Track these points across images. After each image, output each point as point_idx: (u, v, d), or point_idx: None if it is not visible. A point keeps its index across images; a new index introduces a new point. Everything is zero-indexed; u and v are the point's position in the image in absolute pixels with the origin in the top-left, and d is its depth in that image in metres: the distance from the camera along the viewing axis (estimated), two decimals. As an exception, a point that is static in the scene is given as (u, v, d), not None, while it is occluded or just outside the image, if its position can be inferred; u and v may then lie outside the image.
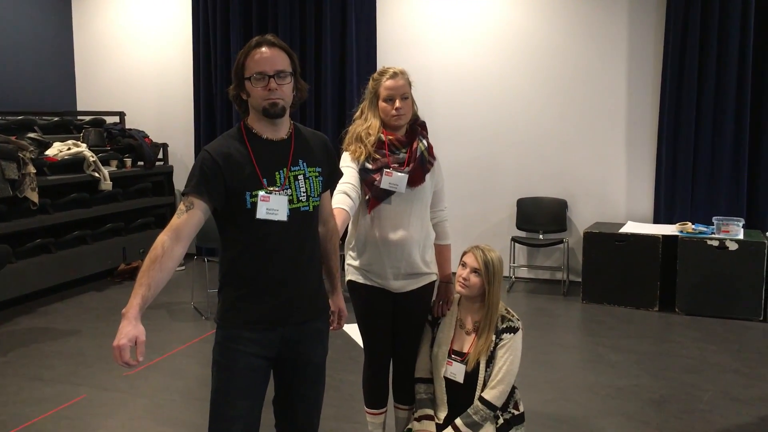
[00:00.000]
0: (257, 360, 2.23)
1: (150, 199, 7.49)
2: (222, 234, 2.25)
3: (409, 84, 2.86)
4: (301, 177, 2.23)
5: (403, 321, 2.97)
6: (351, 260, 2.97)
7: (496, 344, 2.74)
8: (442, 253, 3.07)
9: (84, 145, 6.72)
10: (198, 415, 3.77)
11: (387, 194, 2.80)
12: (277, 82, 2.14)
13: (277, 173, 2.19)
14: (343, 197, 2.67)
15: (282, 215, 2.16)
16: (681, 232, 5.77)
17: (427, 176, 2.89)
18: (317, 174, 2.28)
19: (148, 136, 7.56)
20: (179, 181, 7.72)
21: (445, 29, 6.97)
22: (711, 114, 6.12)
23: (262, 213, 2.14)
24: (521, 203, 6.83)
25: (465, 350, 2.79)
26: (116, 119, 7.92)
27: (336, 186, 2.61)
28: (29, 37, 7.80)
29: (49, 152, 6.35)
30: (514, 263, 6.80)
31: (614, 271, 5.90)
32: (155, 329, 5.26)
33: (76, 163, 6.49)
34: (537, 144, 6.79)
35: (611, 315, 5.71)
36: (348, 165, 2.80)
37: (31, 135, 6.32)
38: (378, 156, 2.82)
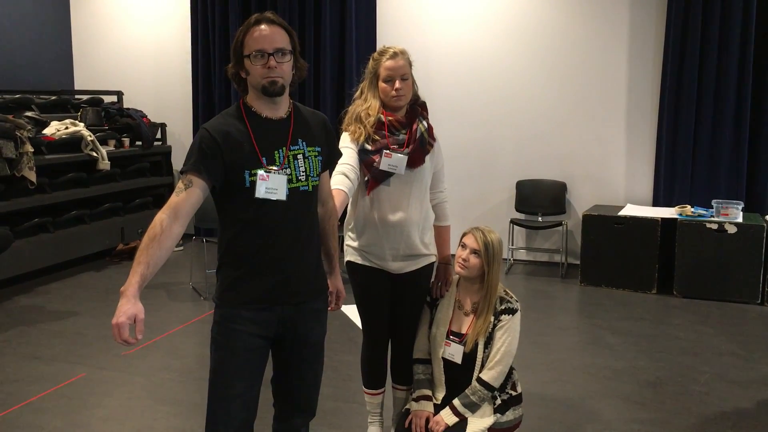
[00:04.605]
0: (256, 339, 2.23)
1: (148, 179, 7.48)
2: (221, 213, 2.24)
3: (410, 64, 2.84)
4: (300, 156, 2.22)
5: (401, 302, 2.97)
6: (350, 241, 2.96)
7: (495, 325, 2.74)
8: (441, 234, 3.07)
9: (82, 124, 6.69)
10: (196, 394, 3.79)
11: (386, 175, 2.79)
12: (276, 60, 2.12)
13: (276, 152, 2.18)
14: (342, 178, 2.65)
15: (281, 194, 2.15)
16: (680, 215, 5.77)
17: (427, 157, 2.88)
18: (317, 154, 2.27)
19: (146, 116, 7.52)
20: (177, 161, 7.70)
21: (446, 9, 6.92)
22: (711, 96, 6.09)
23: (261, 192, 2.13)
24: (520, 185, 6.81)
25: (463, 331, 2.79)
26: (114, 98, 7.88)
27: (335, 166, 2.60)
28: (26, 16, 7.73)
29: (47, 131, 6.33)
30: (512, 245, 6.81)
31: (613, 254, 5.91)
32: (154, 309, 5.27)
33: (73, 142, 6.46)
34: (537, 126, 6.76)
35: (609, 297, 5.73)
36: (347, 146, 2.78)
37: (29, 114, 6.29)
38: (377, 137, 2.80)
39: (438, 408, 2.81)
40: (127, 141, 7.23)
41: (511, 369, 2.80)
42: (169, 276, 6.19)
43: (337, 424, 3.48)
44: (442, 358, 2.82)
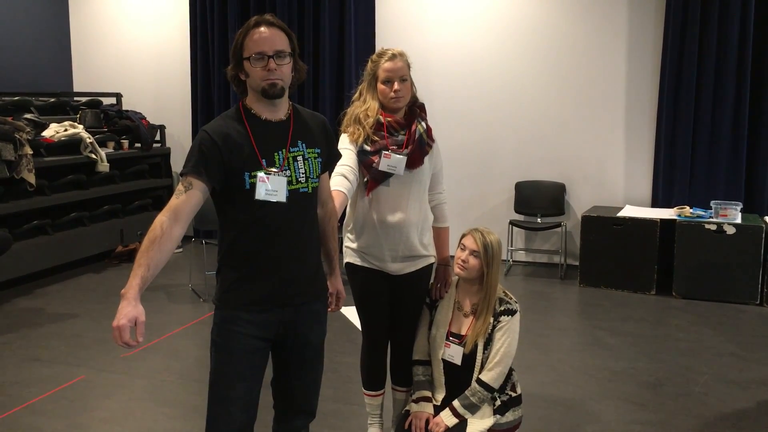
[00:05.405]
0: (256, 341, 2.23)
1: (147, 181, 7.48)
2: (221, 215, 2.24)
3: (408, 66, 2.84)
4: (300, 158, 2.22)
5: (400, 303, 2.97)
6: (349, 243, 2.96)
7: (494, 326, 2.74)
8: (440, 235, 3.07)
9: (81, 126, 6.69)
10: (196, 396, 3.79)
11: (385, 176, 2.79)
12: (276, 63, 2.12)
13: (276, 154, 2.18)
14: (341, 179, 2.66)
15: (281, 196, 2.16)
16: (679, 215, 5.78)
17: (426, 158, 2.88)
18: (316, 155, 2.27)
19: (145, 118, 7.52)
20: (176, 163, 7.70)
21: (444, 11, 6.92)
22: (710, 98, 6.10)
23: (261, 194, 2.13)
24: (519, 187, 6.82)
25: (463, 332, 2.80)
26: (113, 100, 7.88)
27: (334, 168, 2.60)
28: (25, 18, 7.73)
29: (46, 133, 6.33)
30: (511, 247, 6.81)
31: (612, 255, 5.91)
32: (153, 311, 5.26)
33: (72, 144, 6.47)
34: (536, 127, 6.77)
35: (608, 298, 5.73)
36: (346, 147, 2.79)
37: (28, 116, 6.29)
38: (376, 138, 2.80)
39: (438, 409, 2.81)
40: (126, 143, 7.23)
41: (511, 370, 2.81)
42: (169, 278, 6.19)
43: (337, 426, 3.48)
44: (442, 359, 2.82)
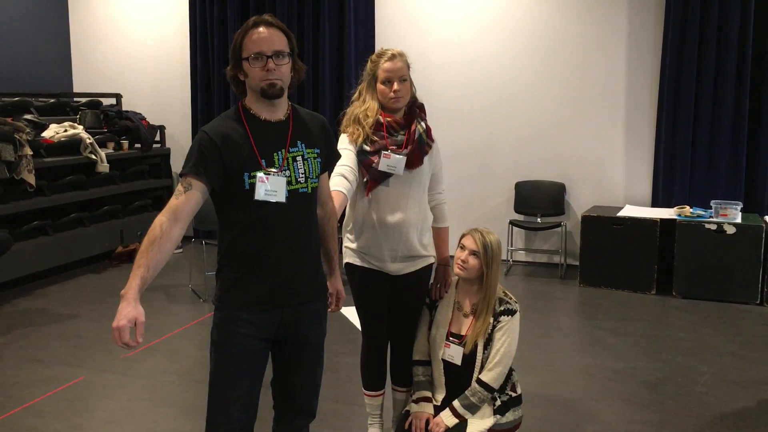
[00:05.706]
0: (256, 342, 2.23)
1: (147, 181, 7.48)
2: (220, 215, 2.24)
3: (408, 66, 2.84)
4: (299, 158, 2.22)
5: (400, 303, 2.97)
6: (348, 243, 2.96)
7: (494, 327, 2.74)
8: (439, 235, 3.06)
9: (80, 127, 6.69)
10: (196, 396, 3.79)
11: (385, 176, 2.79)
12: (275, 63, 2.13)
13: (275, 154, 2.18)
14: (341, 179, 2.66)
15: (280, 197, 2.16)
16: (679, 215, 5.78)
17: (426, 158, 2.88)
18: (316, 155, 2.27)
19: (145, 118, 7.53)
20: (176, 163, 7.70)
21: (444, 10, 6.92)
22: (710, 97, 6.10)
23: (260, 194, 2.13)
24: (519, 186, 6.82)
25: (463, 333, 2.80)
26: (113, 101, 7.88)
27: (334, 168, 2.61)
28: (25, 18, 7.73)
29: (46, 134, 6.33)
30: (511, 247, 6.81)
31: (612, 255, 5.91)
32: (153, 311, 5.26)
33: (72, 145, 6.47)
34: (535, 127, 6.77)
35: (608, 298, 5.73)
36: (346, 147, 2.79)
37: (28, 117, 6.30)
38: (376, 138, 2.80)
39: (438, 409, 2.81)
40: (126, 143, 7.23)
41: (511, 370, 2.81)
42: (169, 278, 6.19)
43: (337, 426, 3.48)
44: (442, 359, 2.82)
